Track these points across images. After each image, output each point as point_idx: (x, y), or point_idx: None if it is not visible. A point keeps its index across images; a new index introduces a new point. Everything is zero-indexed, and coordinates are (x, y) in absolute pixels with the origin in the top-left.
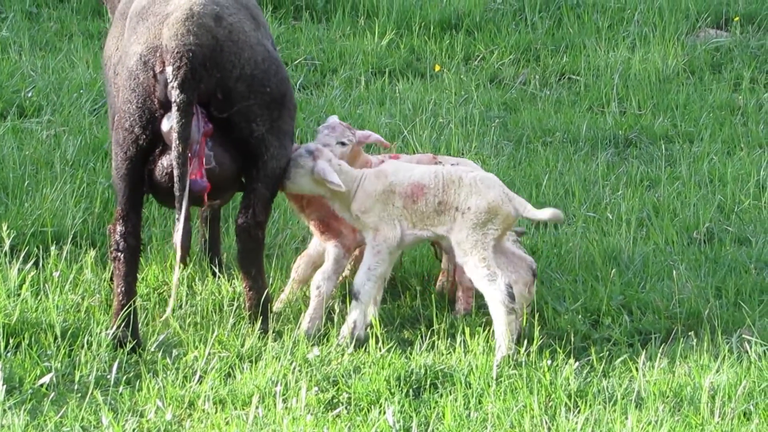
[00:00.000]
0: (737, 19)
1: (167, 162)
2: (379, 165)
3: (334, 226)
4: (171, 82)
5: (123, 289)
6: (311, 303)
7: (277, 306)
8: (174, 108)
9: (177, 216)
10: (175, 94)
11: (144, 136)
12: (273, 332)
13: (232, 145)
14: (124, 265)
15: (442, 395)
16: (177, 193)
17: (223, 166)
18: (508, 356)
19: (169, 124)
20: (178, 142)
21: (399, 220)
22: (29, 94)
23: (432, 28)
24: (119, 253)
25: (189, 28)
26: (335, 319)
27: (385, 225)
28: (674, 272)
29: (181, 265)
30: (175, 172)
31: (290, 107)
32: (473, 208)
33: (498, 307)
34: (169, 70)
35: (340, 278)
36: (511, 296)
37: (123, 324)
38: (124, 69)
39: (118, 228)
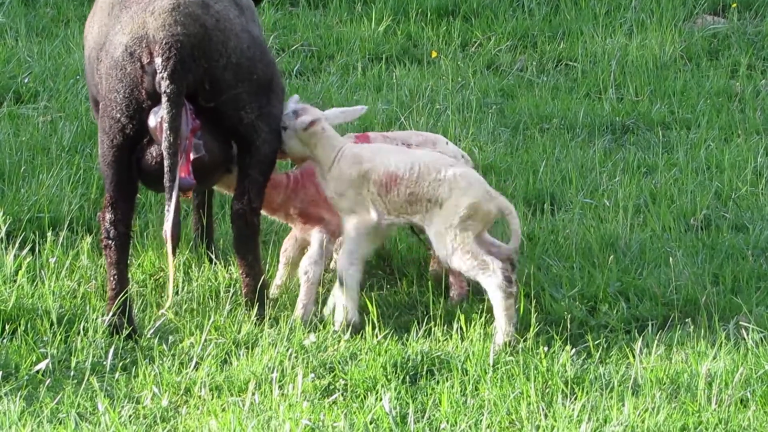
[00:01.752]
0: (735, 5)
1: (156, 151)
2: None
3: (314, 213)
4: (160, 73)
5: (116, 276)
6: (301, 289)
7: (273, 292)
8: (164, 99)
9: (167, 207)
10: (165, 85)
11: (131, 126)
12: (269, 318)
13: (221, 133)
14: (115, 253)
15: (438, 382)
16: (167, 184)
17: (212, 155)
18: (508, 342)
19: (156, 119)
20: (168, 132)
21: (374, 204)
22: (26, 80)
23: (429, 15)
24: (110, 241)
25: (176, 18)
26: (330, 305)
27: (361, 208)
28: (671, 259)
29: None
30: (166, 163)
31: (278, 91)
32: (453, 204)
33: (496, 292)
34: (158, 61)
35: (329, 261)
36: (509, 280)
37: (118, 311)
38: (109, 57)
39: (107, 216)
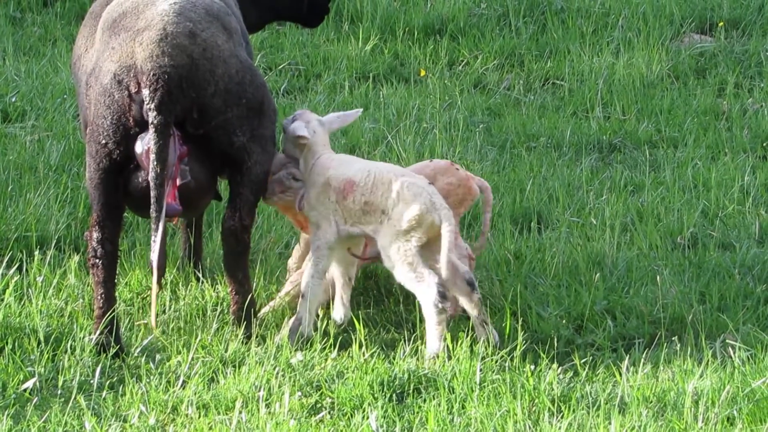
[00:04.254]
0: (722, 24)
1: (143, 176)
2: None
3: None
4: (147, 104)
5: (103, 295)
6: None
7: (276, 303)
8: (151, 130)
9: (153, 237)
10: (152, 116)
11: (118, 151)
12: (256, 337)
13: (208, 159)
14: (102, 272)
15: (425, 400)
16: (153, 214)
17: (199, 182)
18: (436, 355)
19: (143, 146)
20: (156, 163)
21: (333, 215)
22: (13, 99)
23: (416, 33)
24: (97, 260)
25: (164, 49)
26: (318, 324)
27: (324, 221)
28: (658, 277)
29: (158, 287)
30: (152, 193)
31: (269, 112)
32: (397, 215)
33: (429, 307)
34: (145, 92)
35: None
36: (442, 295)
37: (105, 330)
38: (98, 84)
39: (95, 234)
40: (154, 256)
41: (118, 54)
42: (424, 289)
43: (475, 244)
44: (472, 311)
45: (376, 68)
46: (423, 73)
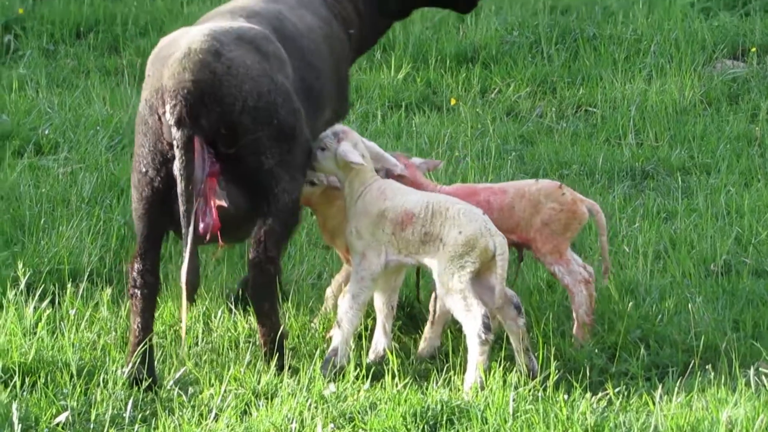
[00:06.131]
0: (754, 49)
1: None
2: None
3: None
4: (168, 120)
5: (139, 326)
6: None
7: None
8: (174, 145)
9: (183, 253)
10: (173, 132)
11: (159, 178)
12: (289, 368)
13: (244, 182)
14: (141, 302)
15: (458, 431)
16: (183, 230)
17: (237, 205)
18: (476, 385)
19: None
20: (181, 178)
21: (385, 246)
22: (46, 132)
23: (448, 62)
24: (137, 290)
25: (185, 65)
26: (351, 355)
27: (372, 251)
28: (691, 305)
29: (189, 303)
30: (180, 209)
31: (301, 140)
32: (451, 240)
33: (472, 337)
34: (167, 107)
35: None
36: (487, 327)
37: (139, 361)
38: (138, 114)
39: (136, 266)
40: (183, 271)
41: (151, 80)
42: (470, 319)
43: (602, 271)
44: (516, 337)
45: (409, 97)
46: (454, 101)
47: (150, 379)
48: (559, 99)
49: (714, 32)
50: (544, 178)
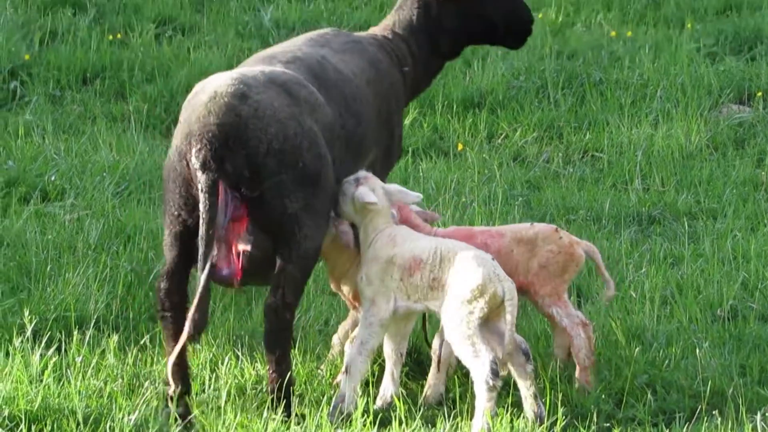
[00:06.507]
0: (760, 94)
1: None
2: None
3: None
4: (194, 164)
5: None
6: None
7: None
8: (199, 188)
9: (197, 293)
10: (198, 176)
11: (191, 219)
12: (296, 415)
13: (269, 226)
14: (172, 324)
15: None
16: (198, 273)
17: (262, 250)
18: (484, 431)
19: None
20: (203, 222)
21: (394, 293)
22: (52, 178)
23: (455, 107)
24: (165, 313)
25: (210, 108)
26: (358, 401)
27: (381, 298)
28: (698, 350)
29: (189, 341)
30: (200, 251)
31: (326, 187)
32: (460, 285)
33: (480, 384)
34: (193, 151)
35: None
36: (495, 373)
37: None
38: (168, 160)
39: (162, 285)
40: (191, 311)
41: (181, 127)
42: (478, 365)
43: (606, 292)
44: (525, 383)
45: (416, 142)
46: (461, 147)
47: (185, 390)
48: (565, 144)
49: (720, 77)
50: (552, 223)
